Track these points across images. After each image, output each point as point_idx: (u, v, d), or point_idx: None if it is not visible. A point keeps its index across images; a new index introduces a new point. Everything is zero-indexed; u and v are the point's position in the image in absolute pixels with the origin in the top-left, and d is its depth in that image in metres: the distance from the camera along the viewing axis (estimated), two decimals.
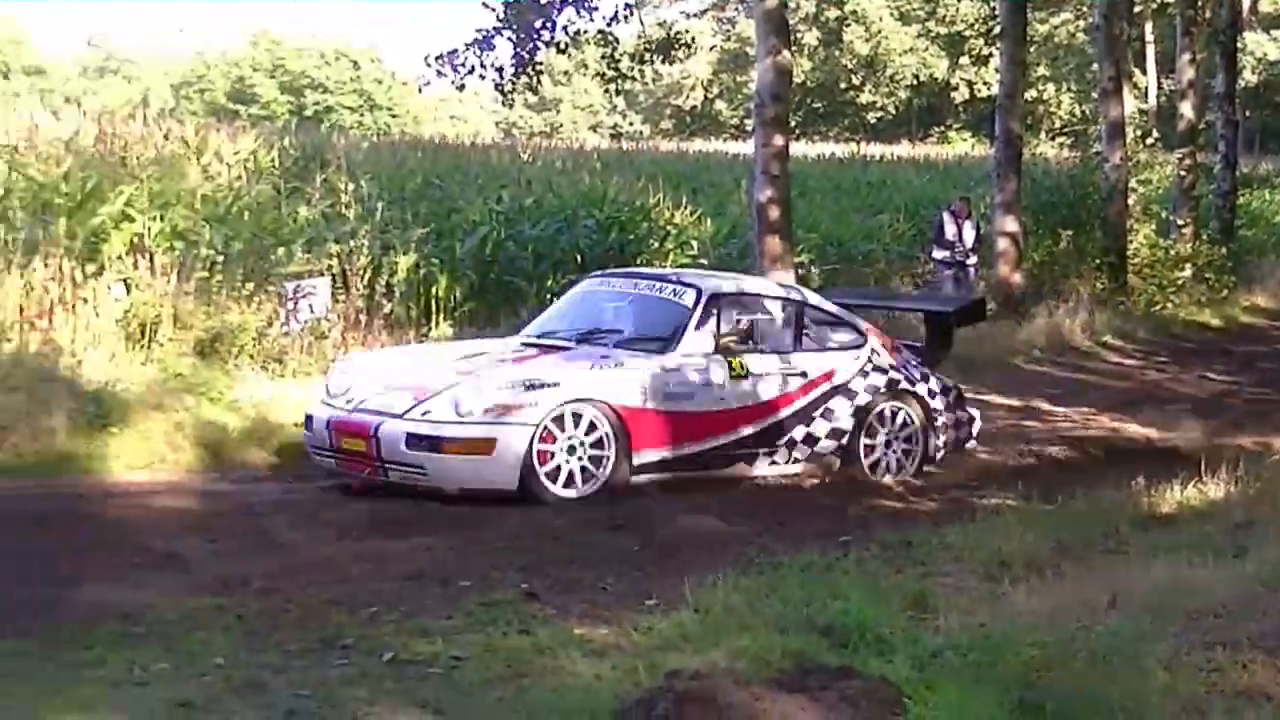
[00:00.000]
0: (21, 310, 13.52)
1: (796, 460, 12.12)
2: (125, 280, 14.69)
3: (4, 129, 20.71)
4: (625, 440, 11.13)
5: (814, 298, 12.95)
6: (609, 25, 23.81)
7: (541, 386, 10.95)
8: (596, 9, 23.18)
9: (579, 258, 20.24)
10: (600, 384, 11.17)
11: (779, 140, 18.92)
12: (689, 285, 12.19)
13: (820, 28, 68.52)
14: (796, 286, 13.69)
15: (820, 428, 12.16)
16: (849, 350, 12.44)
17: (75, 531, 9.08)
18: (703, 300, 11.93)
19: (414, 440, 10.68)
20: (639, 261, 21.24)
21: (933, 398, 12.59)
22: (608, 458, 11.08)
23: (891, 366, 12.49)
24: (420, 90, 29.74)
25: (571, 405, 10.95)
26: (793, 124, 24.46)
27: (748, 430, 11.81)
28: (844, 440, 12.23)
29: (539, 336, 12.38)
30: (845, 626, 6.77)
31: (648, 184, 24.64)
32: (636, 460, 11.22)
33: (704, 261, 22.13)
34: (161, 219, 16.27)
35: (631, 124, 74.50)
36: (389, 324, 16.49)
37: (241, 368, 14.03)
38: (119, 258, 15.19)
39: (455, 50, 23.29)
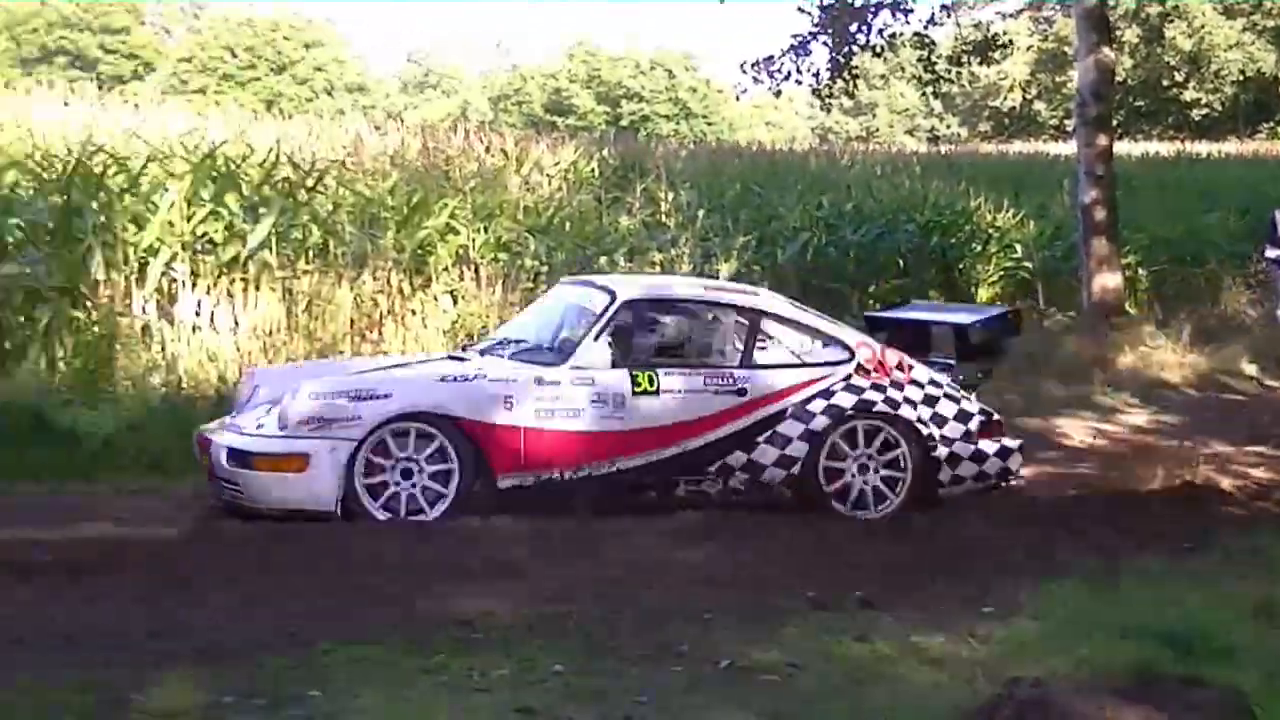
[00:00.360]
0: (352, 323, 13.91)
1: (737, 491, 10.39)
2: (452, 292, 14.99)
3: (331, 145, 21.38)
4: (478, 461, 9.85)
5: (783, 307, 11.06)
6: (925, 28, 23.69)
7: (370, 398, 9.81)
8: (912, 11, 23.13)
9: (900, 263, 20.10)
10: (446, 398, 9.91)
11: (1102, 140, 18.53)
12: (604, 289, 10.81)
13: (1141, 24, 66.73)
14: (759, 292, 11.58)
15: (766, 454, 10.38)
16: (821, 367, 10.60)
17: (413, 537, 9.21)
18: (614, 306, 10.47)
19: (231, 455, 9.81)
20: (961, 267, 20.97)
21: (936, 424, 10.59)
22: (453, 480, 9.81)
23: (875, 386, 10.54)
24: (737, 97, 29.92)
25: (405, 421, 9.78)
26: (1115, 123, 23.87)
27: (657, 455, 10.20)
28: (795, 469, 10.40)
29: (484, 346, 11.13)
30: (1188, 634, 6.55)
31: (968, 187, 24.33)
32: (501, 483, 9.88)
33: (1028, 265, 21.74)
34: (485, 230, 16.60)
35: (949, 127, 73.58)
36: None
37: None
38: (445, 270, 15.52)
39: (771, 56, 23.37)
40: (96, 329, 13.47)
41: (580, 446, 10.06)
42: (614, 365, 10.24)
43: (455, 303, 14.83)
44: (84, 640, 6.87)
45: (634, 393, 10.17)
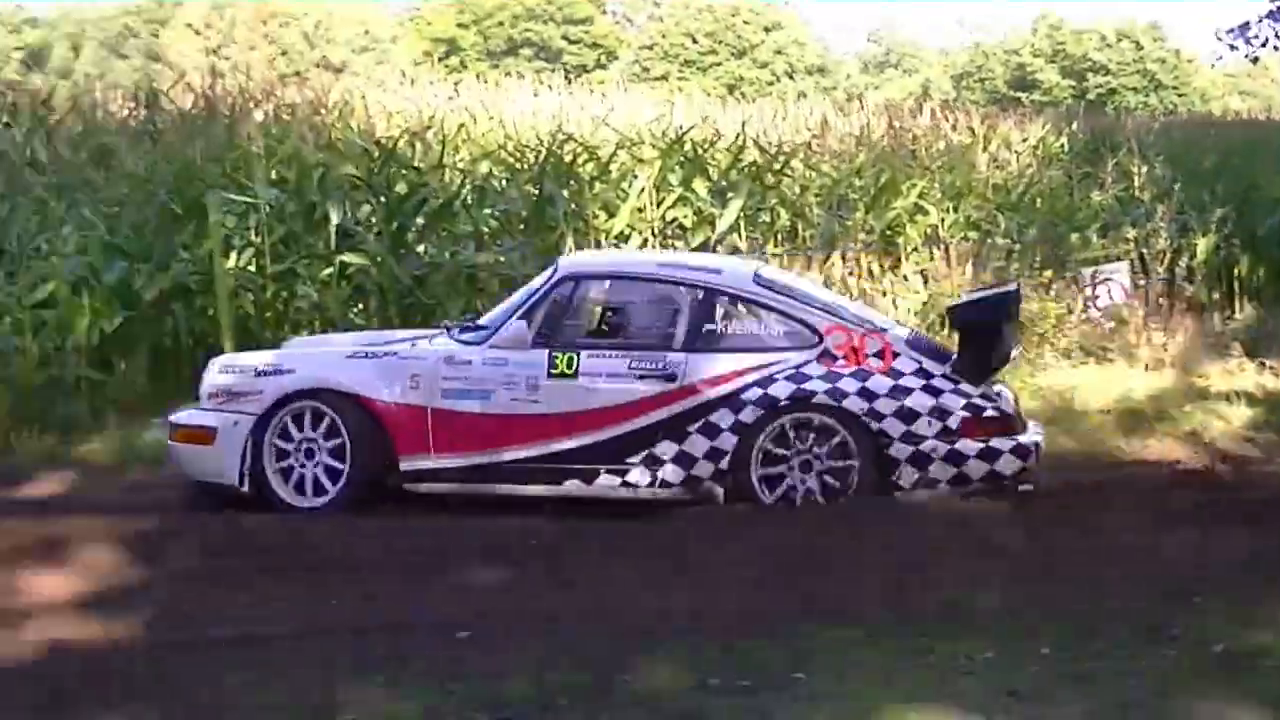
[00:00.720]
0: None
1: (667, 484, 9.47)
2: (922, 271, 14.83)
3: (795, 128, 21.45)
4: (382, 442, 9.50)
5: (745, 286, 9.84)
6: None
7: (274, 373, 9.67)
8: None
9: None
10: (349, 374, 9.62)
11: None
12: (552, 263, 10.33)
13: None
14: (722, 269, 10.13)
15: (697, 445, 9.46)
16: (771, 352, 9.59)
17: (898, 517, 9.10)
18: (550, 282, 9.86)
19: (168, 427, 10.03)
20: None
21: (902, 419, 9.38)
22: (351, 460, 9.48)
23: (829, 375, 9.44)
24: (1212, 66, 28.82)
25: (304, 398, 9.56)
26: None
27: (572, 442, 9.50)
28: (723, 463, 9.44)
29: (454, 324, 10.66)
30: None
31: None
32: (404, 465, 9.50)
33: None
34: (954, 210, 16.37)
35: None
36: (1190, 307, 15.94)
37: (1043, 355, 13.86)
38: (914, 250, 15.38)
39: (1247, 23, 22.41)
40: None
41: (489, 430, 9.54)
42: (535, 345, 9.63)
43: (926, 283, 14.67)
44: (567, 621, 7.02)
45: (549, 375, 9.54)
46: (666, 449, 9.45)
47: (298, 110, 19.58)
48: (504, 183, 15.95)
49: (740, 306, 9.73)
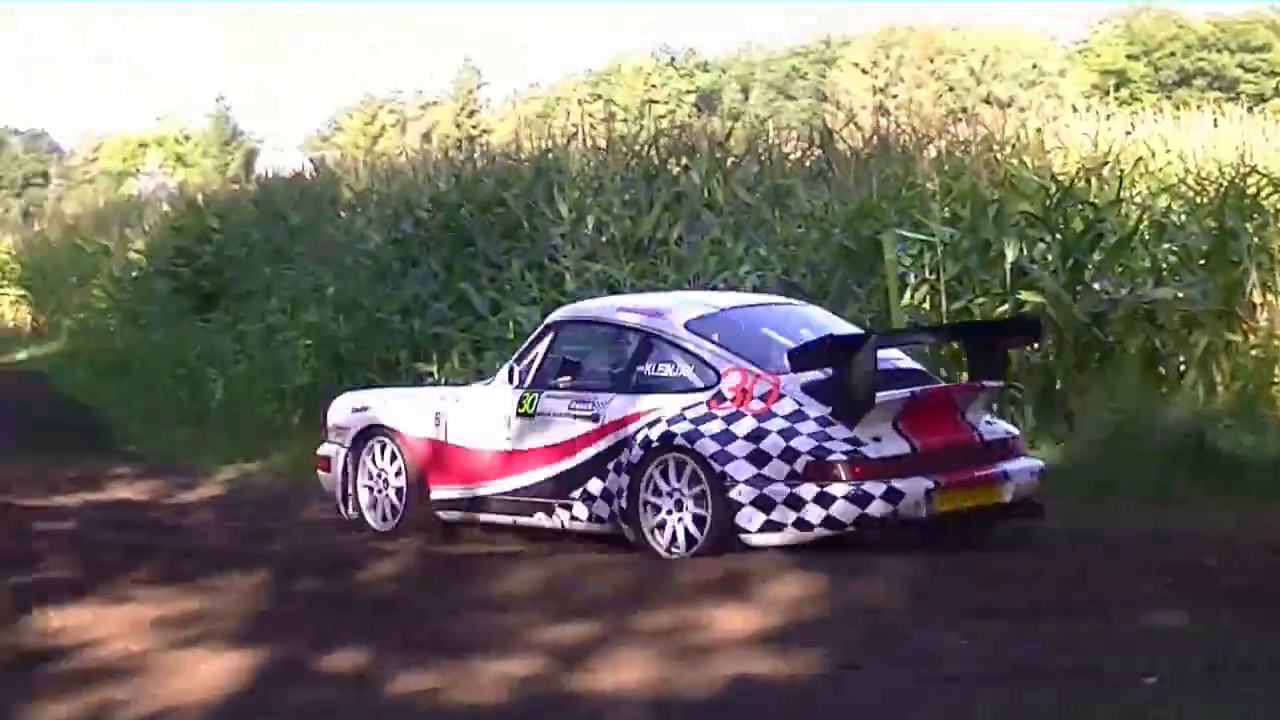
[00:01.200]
0: None
1: (599, 519, 10.08)
2: None
3: None
4: (419, 475, 10.88)
5: (674, 329, 10.15)
6: None
7: (362, 409, 11.35)
8: None
9: None
10: (399, 413, 11.15)
11: None
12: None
13: None
14: (665, 312, 10.46)
15: (615, 483, 9.94)
16: (670, 394, 9.91)
17: None
18: (539, 329, 11.19)
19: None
20: None
21: (754, 462, 9.34)
22: (402, 491, 10.97)
23: (700, 417, 9.62)
24: None
25: (373, 434, 11.11)
26: None
27: (531, 478, 10.40)
28: (621, 501, 9.90)
29: None
30: None
31: None
32: (434, 496, 10.87)
33: None
34: None
35: None
36: None
37: None
38: None
39: None
40: (1255, 353, 13.26)
41: (482, 465, 10.64)
42: (516, 386, 10.58)
43: None
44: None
45: (517, 414, 10.49)
46: (595, 485, 10.11)
47: (971, 146, 19.55)
48: (1183, 217, 15.44)
49: (666, 349, 10.15)
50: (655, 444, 9.77)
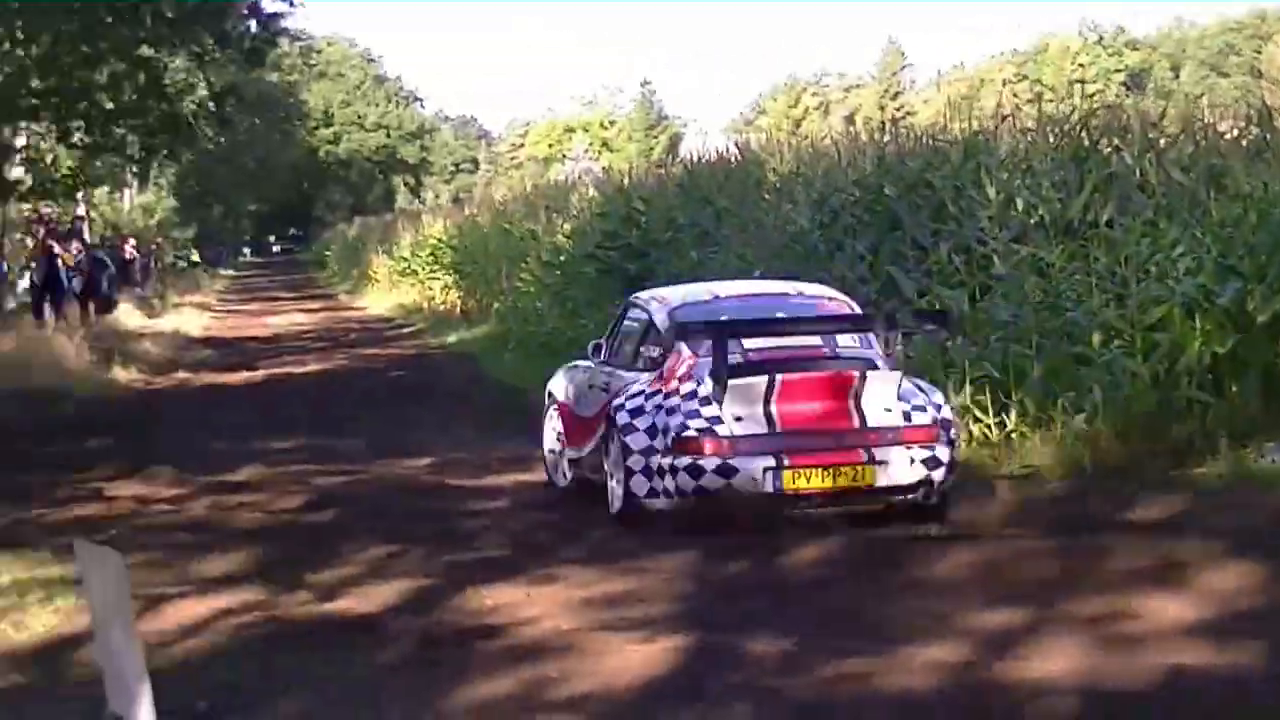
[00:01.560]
0: None
1: (612, 475, 11.07)
2: None
3: None
4: (564, 438, 12.28)
5: (659, 314, 11.58)
6: None
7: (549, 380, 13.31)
8: None
9: None
10: (557, 383, 12.95)
11: None
12: None
13: None
14: (658, 299, 12.05)
15: (601, 452, 11.30)
16: (647, 372, 11.25)
17: None
18: (622, 306, 12.77)
19: None
20: None
21: (649, 434, 10.60)
22: (561, 451, 12.34)
23: (634, 395, 10.96)
24: None
25: (549, 401, 12.87)
26: None
27: (587, 447, 11.70)
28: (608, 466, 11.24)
29: None
30: None
31: None
32: (568, 455, 12.19)
33: None
34: None
35: None
36: None
37: None
38: None
39: None
40: None
41: (579, 430, 11.94)
42: (598, 362, 12.09)
43: None
44: None
45: (588, 386, 12.11)
46: (596, 456, 11.44)
47: None
48: None
49: (654, 333, 11.42)
50: (610, 417, 11.06)
